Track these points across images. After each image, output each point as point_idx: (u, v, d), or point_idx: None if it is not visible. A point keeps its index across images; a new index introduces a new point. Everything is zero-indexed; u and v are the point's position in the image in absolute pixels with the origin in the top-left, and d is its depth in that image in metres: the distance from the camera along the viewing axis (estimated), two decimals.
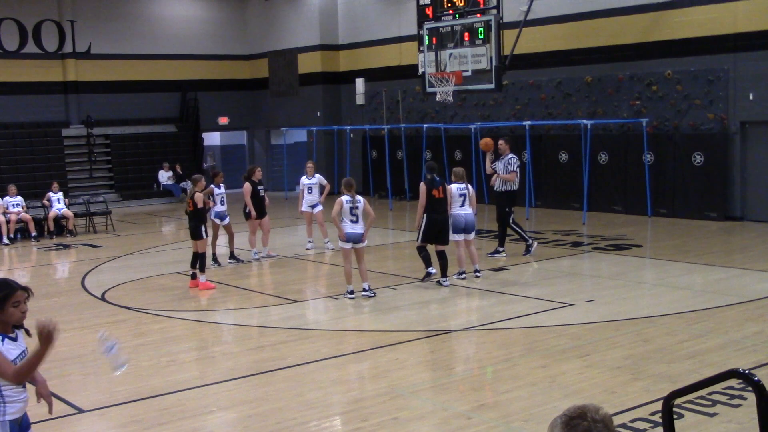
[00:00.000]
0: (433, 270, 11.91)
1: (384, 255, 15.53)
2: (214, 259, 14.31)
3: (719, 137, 17.63)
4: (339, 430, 6.89)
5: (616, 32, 19.33)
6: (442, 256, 12.05)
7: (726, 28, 17.41)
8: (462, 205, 12.09)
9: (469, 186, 12.31)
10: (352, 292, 11.36)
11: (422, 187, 11.82)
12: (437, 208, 11.82)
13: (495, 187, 14.15)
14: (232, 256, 14.54)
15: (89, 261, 15.58)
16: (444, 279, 12.04)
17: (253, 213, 14.43)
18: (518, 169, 14.03)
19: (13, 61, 25.40)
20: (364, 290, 11.35)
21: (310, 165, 15.66)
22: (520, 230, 14.21)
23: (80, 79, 26.53)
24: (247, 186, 14.39)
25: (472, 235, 12.40)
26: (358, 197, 11.18)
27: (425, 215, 11.82)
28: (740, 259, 13.65)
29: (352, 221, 11.11)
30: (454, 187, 12.11)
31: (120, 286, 13.00)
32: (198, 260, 12.47)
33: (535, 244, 14.32)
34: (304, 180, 15.35)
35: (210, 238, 13.41)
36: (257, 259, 14.69)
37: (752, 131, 17.48)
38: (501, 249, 14.28)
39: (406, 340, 9.34)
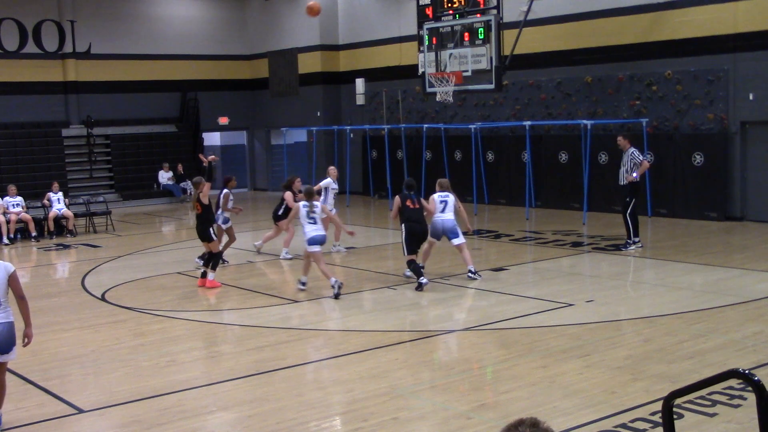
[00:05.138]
0: (424, 280, 11.96)
1: (383, 255, 15.54)
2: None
3: (719, 137, 17.63)
4: (339, 430, 6.89)
5: (616, 32, 19.32)
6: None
7: (726, 28, 17.40)
8: (442, 212, 12.35)
9: (451, 195, 12.50)
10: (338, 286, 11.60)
11: (396, 199, 12.32)
12: (413, 218, 12.12)
13: (620, 182, 14.41)
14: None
15: (89, 261, 15.58)
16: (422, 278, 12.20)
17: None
18: (643, 159, 14.56)
19: (13, 61, 25.40)
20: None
21: (335, 169, 15.90)
22: (630, 225, 14.31)
23: (80, 79, 26.53)
24: (289, 194, 14.85)
25: (462, 239, 12.44)
26: (316, 203, 11.84)
27: (403, 225, 12.15)
28: (740, 259, 13.63)
29: (309, 223, 11.71)
30: (436, 196, 12.44)
31: (120, 286, 13.00)
32: (212, 259, 12.51)
33: (634, 247, 14.33)
34: (332, 184, 15.39)
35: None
36: (290, 258, 14.82)
37: (752, 131, 17.47)
38: (635, 240, 14.43)
39: (406, 340, 9.34)
